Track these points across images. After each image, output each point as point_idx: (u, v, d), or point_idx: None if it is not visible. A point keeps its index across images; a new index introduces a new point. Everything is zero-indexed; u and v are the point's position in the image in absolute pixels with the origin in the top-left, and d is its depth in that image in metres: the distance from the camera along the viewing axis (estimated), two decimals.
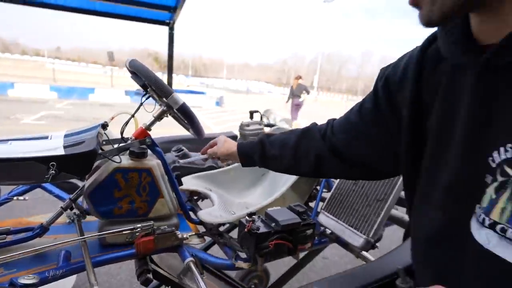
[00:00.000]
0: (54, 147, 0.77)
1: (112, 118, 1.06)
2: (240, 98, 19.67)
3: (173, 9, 10.96)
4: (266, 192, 1.43)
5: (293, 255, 0.91)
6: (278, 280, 1.54)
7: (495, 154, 0.38)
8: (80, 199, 0.97)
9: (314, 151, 0.74)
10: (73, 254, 0.86)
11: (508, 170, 0.36)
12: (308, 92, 9.13)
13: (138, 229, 0.87)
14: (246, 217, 0.85)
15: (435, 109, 0.49)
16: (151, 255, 0.95)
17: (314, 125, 0.81)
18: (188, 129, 1.13)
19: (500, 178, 0.37)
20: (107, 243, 0.94)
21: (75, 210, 0.97)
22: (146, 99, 1.08)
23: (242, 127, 1.58)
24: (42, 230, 0.90)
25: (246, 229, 0.81)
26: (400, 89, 0.56)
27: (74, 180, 1.27)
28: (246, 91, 29.32)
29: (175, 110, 0.99)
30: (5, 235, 0.86)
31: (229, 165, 1.47)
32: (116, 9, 11.47)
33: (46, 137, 0.85)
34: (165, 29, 13.38)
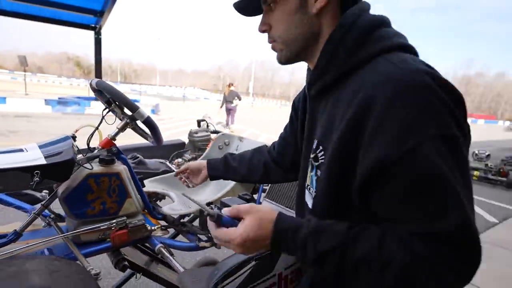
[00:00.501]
0: (36, 157, 0.89)
1: (77, 130, 1.17)
2: (177, 105, 19.31)
3: (100, 13, 10.30)
4: (217, 189, 1.65)
5: None
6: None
7: (314, 146, 0.65)
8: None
9: (263, 163, 1.03)
10: (54, 253, 0.96)
11: (312, 155, 0.65)
12: (239, 98, 9.87)
13: (114, 224, 1.02)
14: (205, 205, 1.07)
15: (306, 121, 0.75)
16: (124, 246, 1.09)
17: (263, 145, 1.11)
18: (146, 138, 1.29)
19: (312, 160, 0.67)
20: (81, 242, 1.05)
21: (50, 214, 1.06)
22: (107, 113, 1.21)
23: (191, 134, 1.77)
24: (16, 235, 0.98)
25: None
26: (298, 108, 0.84)
27: (30, 191, 1.31)
28: (183, 98, 28.74)
29: (136, 122, 1.16)
30: None
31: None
32: (39, 12, 10.31)
33: (21, 150, 0.94)
34: (88, 32, 12.40)
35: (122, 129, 1.17)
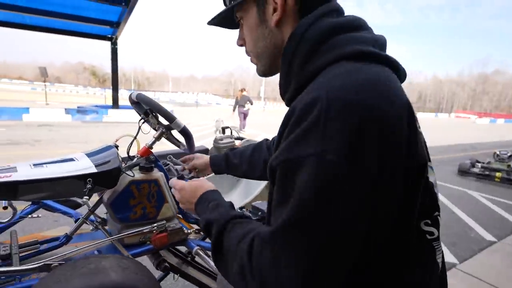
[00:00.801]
0: (87, 166, 0.97)
1: (117, 140, 1.25)
2: (190, 111, 19.62)
3: (116, 24, 10.61)
4: (243, 194, 1.71)
5: None
6: None
7: None
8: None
9: (263, 158, 1.07)
10: (103, 253, 1.04)
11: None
12: (251, 103, 10.36)
13: (155, 228, 1.09)
14: (237, 209, 1.13)
15: None
16: (164, 248, 1.16)
17: (264, 140, 1.15)
18: (178, 146, 1.36)
19: None
20: (124, 244, 1.13)
21: (95, 219, 1.14)
22: (143, 123, 1.28)
23: (216, 141, 1.85)
24: (67, 239, 1.07)
25: None
26: None
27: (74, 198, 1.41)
28: (196, 104, 29.17)
29: (170, 131, 1.24)
30: (38, 245, 1.01)
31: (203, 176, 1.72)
32: (57, 25, 10.75)
33: (72, 159, 1.03)
34: (103, 42, 12.83)
35: (158, 138, 1.24)
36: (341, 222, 0.44)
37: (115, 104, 12.73)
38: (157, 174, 1.18)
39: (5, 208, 1.01)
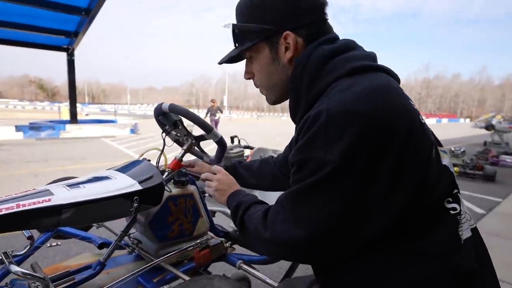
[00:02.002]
0: (131, 183, 0.89)
1: (142, 154, 1.17)
2: (153, 123, 18.93)
3: (74, 34, 9.99)
4: None
5: None
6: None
7: None
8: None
9: (271, 172, 1.13)
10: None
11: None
12: (221, 112, 12.07)
13: (198, 245, 1.03)
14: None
15: None
16: (206, 266, 1.10)
17: (270, 157, 1.20)
18: (202, 158, 1.31)
19: None
20: (160, 266, 1.05)
21: (128, 242, 1.05)
22: (167, 134, 1.22)
23: (226, 151, 1.80)
24: (101, 266, 0.96)
25: None
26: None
27: None
28: None
29: (199, 142, 1.20)
30: (73, 276, 0.90)
31: None
32: (6, 35, 9.79)
33: (108, 177, 0.94)
34: (51, 53, 12.03)
35: (188, 150, 1.19)
36: (333, 203, 0.55)
37: (74, 119, 11.88)
38: (191, 187, 1.13)
39: (29, 238, 0.89)
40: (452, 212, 0.62)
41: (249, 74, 0.78)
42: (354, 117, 0.53)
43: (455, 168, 6.59)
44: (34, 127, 10.84)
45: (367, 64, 0.63)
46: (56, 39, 9.82)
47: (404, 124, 0.55)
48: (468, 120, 54.72)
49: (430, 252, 0.59)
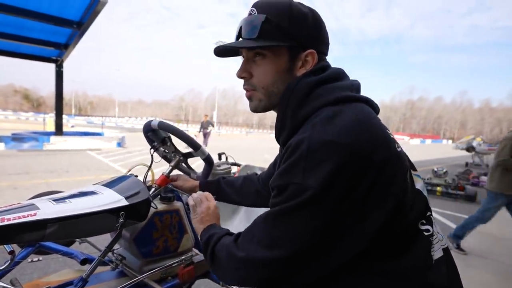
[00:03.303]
0: (117, 199, 0.91)
1: (129, 170, 1.18)
2: (140, 137, 18.72)
3: (64, 47, 9.93)
4: (245, 219, 1.70)
5: None
6: None
7: None
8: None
9: (254, 188, 1.15)
10: None
11: None
12: (213, 125, 13.96)
13: (182, 261, 1.04)
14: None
15: None
16: (190, 283, 1.10)
17: (254, 174, 1.23)
18: (189, 174, 1.33)
19: None
20: (144, 283, 1.04)
21: (112, 258, 1.04)
22: (155, 151, 1.24)
23: (214, 167, 1.83)
24: (83, 282, 0.95)
25: None
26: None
27: None
28: None
29: (187, 159, 1.22)
30: None
31: None
32: None
33: (94, 192, 0.95)
34: (38, 63, 11.87)
35: (175, 166, 1.21)
36: (308, 227, 0.58)
37: (59, 131, 11.64)
38: (177, 204, 1.14)
39: (11, 252, 0.88)
40: (425, 233, 0.66)
41: (245, 73, 0.75)
42: (334, 148, 0.56)
43: (438, 188, 6.76)
44: (17, 138, 10.54)
45: (349, 95, 0.67)
46: (46, 51, 9.75)
47: (381, 154, 0.59)
48: (450, 141, 56.45)
49: (404, 272, 0.63)
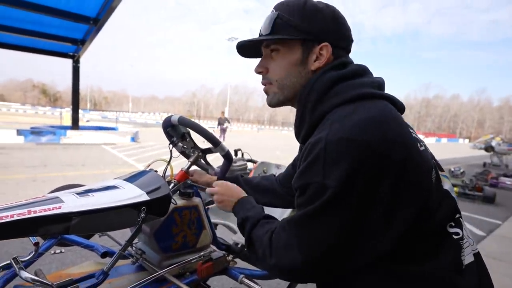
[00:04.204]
0: (138, 193, 0.90)
1: (149, 165, 1.18)
2: (153, 132, 18.98)
3: (81, 42, 10.11)
4: None
5: None
6: None
7: None
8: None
9: (272, 188, 1.14)
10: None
11: None
12: (229, 122, 15.86)
13: (201, 257, 1.03)
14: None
15: None
16: (208, 279, 1.10)
17: (272, 175, 1.22)
18: (207, 170, 1.32)
19: None
20: (162, 278, 1.05)
21: (131, 252, 1.05)
22: (174, 146, 1.24)
23: None
24: (105, 275, 0.96)
25: None
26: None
27: None
28: (159, 124, 28.27)
29: (205, 155, 1.22)
30: (77, 285, 0.90)
31: None
32: (16, 41, 9.91)
33: (116, 187, 0.95)
34: (55, 59, 12.14)
35: (194, 162, 1.20)
36: (333, 228, 0.57)
37: (75, 125, 11.91)
38: (196, 199, 1.14)
39: (35, 244, 0.89)
40: (454, 236, 0.64)
41: (262, 68, 0.78)
42: (350, 145, 0.55)
43: (455, 189, 6.59)
44: (35, 131, 10.85)
45: (370, 92, 0.66)
46: (63, 46, 9.96)
47: (400, 153, 0.57)
48: (467, 140, 54.95)
49: (432, 276, 0.60)
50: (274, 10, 0.74)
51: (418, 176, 0.59)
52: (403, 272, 0.61)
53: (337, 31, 0.73)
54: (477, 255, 0.69)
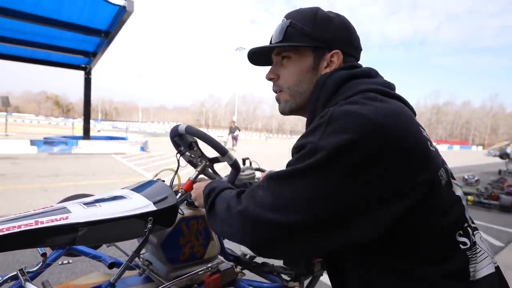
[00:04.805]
0: (145, 204, 0.90)
1: (157, 174, 1.18)
2: (162, 141, 19.16)
3: (93, 55, 10.39)
4: None
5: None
6: None
7: None
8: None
9: None
10: None
11: None
12: (239, 130, 16.93)
13: (209, 269, 1.01)
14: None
15: None
16: None
17: None
18: (214, 179, 1.31)
19: None
20: None
21: (138, 263, 1.03)
22: (181, 155, 1.23)
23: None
24: (112, 287, 0.95)
25: None
26: None
27: None
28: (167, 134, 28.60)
29: (213, 164, 1.20)
30: None
31: None
32: (29, 54, 10.27)
33: (123, 197, 0.95)
34: (67, 71, 12.48)
35: (201, 171, 1.19)
36: (314, 192, 0.54)
37: (86, 135, 12.13)
38: (203, 210, 1.12)
39: (43, 255, 0.89)
40: (462, 246, 0.60)
41: (273, 74, 0.78)
42: (361, 120, 0.54)
43: (469, 197, 6.39)
44: (48, 142, 11.09)
45: (382, 89, 0.65)
46: (75, 59, 10.24)
47: (411, 143, 0.55)
48: (480, 147, 53.76)
49: (435, 283, 0.58)
50: (285, 19, 0.75)
51: (425, 171, 0.56)
52: (408, 275, 0.59)
53: (347, 40, 0.74)
54: (496, 268, 0.65)
